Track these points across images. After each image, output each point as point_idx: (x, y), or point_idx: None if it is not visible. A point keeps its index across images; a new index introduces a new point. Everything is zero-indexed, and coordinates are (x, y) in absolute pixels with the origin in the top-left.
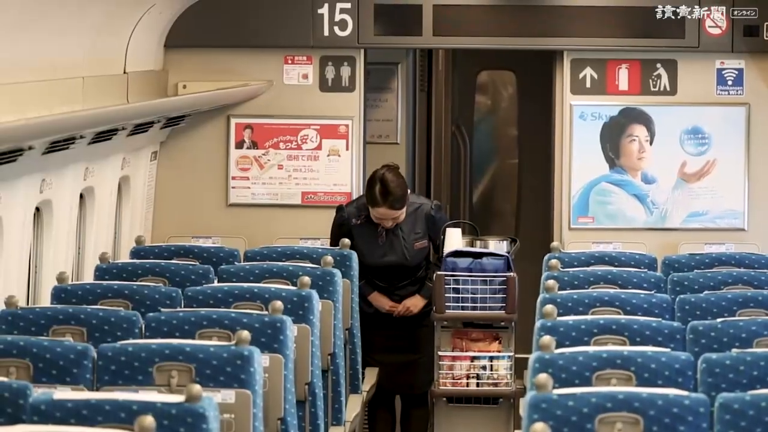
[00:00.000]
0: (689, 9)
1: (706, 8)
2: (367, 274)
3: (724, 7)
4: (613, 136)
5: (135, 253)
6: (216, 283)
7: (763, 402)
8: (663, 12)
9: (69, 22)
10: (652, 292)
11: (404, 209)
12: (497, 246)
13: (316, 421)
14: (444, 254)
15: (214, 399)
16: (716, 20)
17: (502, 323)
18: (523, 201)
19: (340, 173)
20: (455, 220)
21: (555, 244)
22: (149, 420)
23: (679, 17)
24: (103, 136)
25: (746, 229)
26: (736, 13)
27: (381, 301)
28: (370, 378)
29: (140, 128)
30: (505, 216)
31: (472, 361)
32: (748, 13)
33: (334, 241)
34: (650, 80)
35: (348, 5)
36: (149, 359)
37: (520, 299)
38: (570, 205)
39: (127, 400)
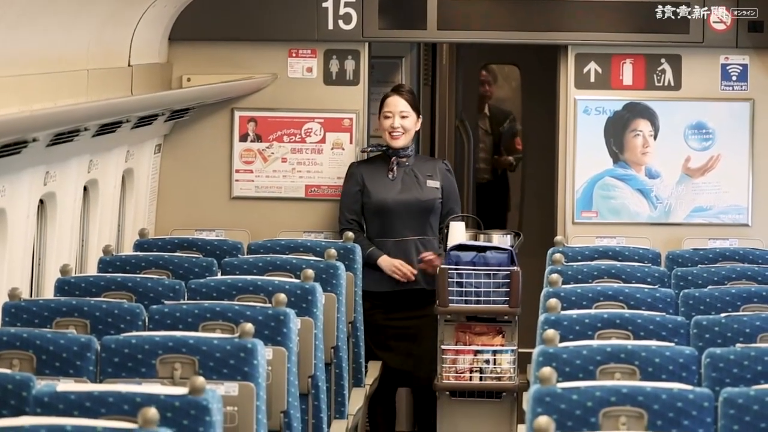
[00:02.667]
0: (689, 9)
1: (706, 9)
2: (376, 228)
3: (724, 8)
4: (617, 130)
5: (138, 246)
6: (219, 276)
7: (767, 397)
8: (663, 12)
9: (74, 14)
10: (656, 286)
11: (412, 113)
12: (501, 240)
13: (319, 415)
14: (448, 248)
15: (218, 391)
16: (721, 16)
17: (506, 317)
18: (527, 195)
19: (344, 166)
20: (459, 213)
21: (559, 238)
22: (153, 412)
23: (679, 17)
24: (107, 128)
25: (750, 225)
26: (737, 13)
27: (391, 262)
28: (373, 371)
29: (144, 121)
30: (509, 210)
31: (475, 355)
32: (749, 13)
33: (346, 198)
34: (654, 75)
35: None
36: (153, 351)
37: (523, 293)
38: (574, 199)
39: (130, 392)
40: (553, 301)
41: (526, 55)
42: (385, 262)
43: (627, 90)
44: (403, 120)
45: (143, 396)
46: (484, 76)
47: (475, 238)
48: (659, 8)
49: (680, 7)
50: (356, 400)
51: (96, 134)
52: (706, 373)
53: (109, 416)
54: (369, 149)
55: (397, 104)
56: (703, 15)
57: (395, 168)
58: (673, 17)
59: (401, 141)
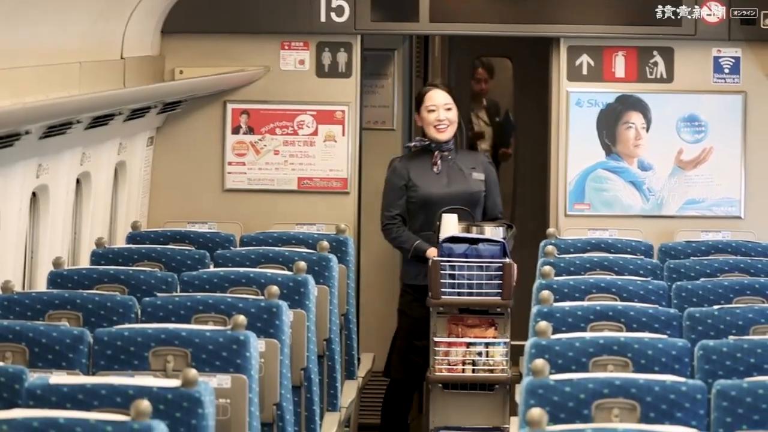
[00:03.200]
0: (689, 9)
1: (706, 10)
2: (420, 222)
3: (724, 8)
4: (609, 123)
5: (131, 239)
6: (212, 268)
7: (761, 389)
8: (663, 12)
9: (67, 7)
10: (649, 278)
11: (453, 105)
12: (493, 232)
13: (311, 407)
14: (440, 240)
15: (210, 384)
16: (713, 8)
17: (498, 309)
18: (519, 187)
19: (337, 159)
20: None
21: (551, 230)
22: (145, 404)
23: (679, 17)
24: (100, 121)
25: (743, 217)
26: (735, 13)
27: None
28: (365, 364)
29: (137, 113)
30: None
31: (467, 348)
32: (748, 12)
33: (390, 194)
34: (647, 68)
35: None
36: (145, 344)
37: (516, 285)
38: (566, 191)
39: (123, 385)
40: (545, 293)
41: (519, 48)
42: (434, 253)
43: (619, 82)
44: (447, 112)
45: (136, 388)
46: (480, 74)
47: (468, 230)
48: (659, 8)
49: (680, 8)
50: (349, 393)
51: (88, 127)
52: (698, 365)
53: (101, 409)
54: (413, 144)
55: (441, 97)
56: (702, 14)
57: (439, 162)
58: (672, 17)
59: (447, 133)
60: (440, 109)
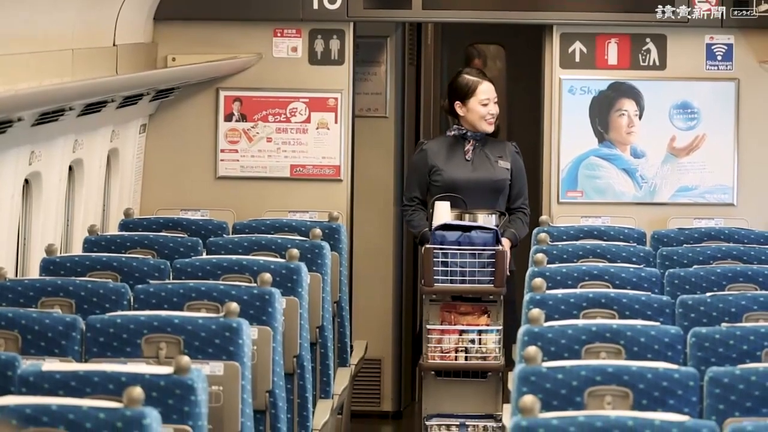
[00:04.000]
0: (689, 9)
1: (706, 8)
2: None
3: (725, 8)
4: (602, 110)
5: (124, 226)
6: (204, 256)
7: (753, 376)
8: (663, 12)
9: None
10: (641, 266)
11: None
12: (486, 220)
13: (304, 394)
14: (433, 227)
15: (203, 371)
16: None
17: (491, 297)
18: None
19: (329, 146)
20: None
21: (544, 217)
22: (138, 391)
23: (679, 17)
24: (93, 108)
25: (735, 205)
26: (736, 13)
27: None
28: (358, 351)
29: (129, 101)
30: None
31: (460, 335)
32: (748, 13)
33: (413, 177)
34: (639, 55)
35: None
36: (138, 331)
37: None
38: (559, 179)
39: (115, 372)
40: (538, 280)
41: (512, 35)
42: None
43: (612, 69)
44: (496, 106)
45: (128, 375)
46: (476, 64)
47: (461, 218)
48: (659, 8)
49: (680, 7)
50: (341, 380)
51: (81, 114)
52: (691, 352)
53: (94, 396)
54: (453, 134)
55: (492, 90)
56: (704, 15)
57: (471, 150)
58: (672, 17)
59: (494, 126)
60: (492, 103)
